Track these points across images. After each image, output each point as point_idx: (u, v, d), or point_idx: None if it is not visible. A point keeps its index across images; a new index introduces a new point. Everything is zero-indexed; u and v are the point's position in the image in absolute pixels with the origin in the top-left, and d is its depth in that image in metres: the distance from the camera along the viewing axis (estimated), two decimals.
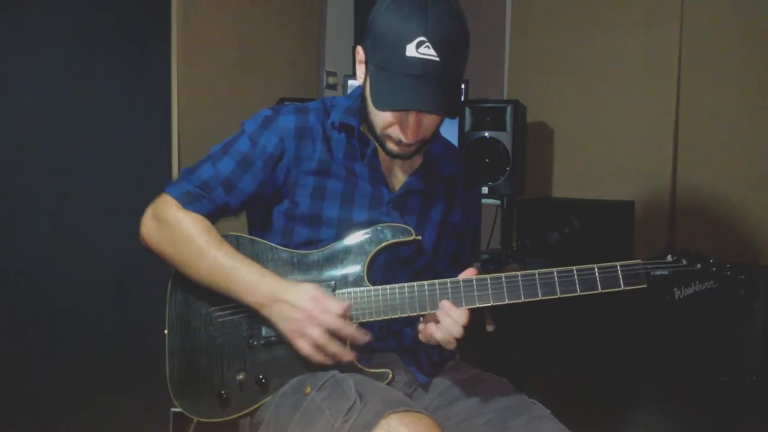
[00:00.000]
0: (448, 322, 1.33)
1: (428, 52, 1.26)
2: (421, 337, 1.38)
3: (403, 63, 1.27)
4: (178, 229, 1.43)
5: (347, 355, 1.36)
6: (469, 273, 1.38)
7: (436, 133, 1.50)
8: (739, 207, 2.44)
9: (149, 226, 1.46)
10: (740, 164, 2.44)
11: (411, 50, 1.26)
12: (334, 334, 1.34)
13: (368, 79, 1.37)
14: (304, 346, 1.34)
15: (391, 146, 1.39)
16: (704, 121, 2.53)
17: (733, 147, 2.46)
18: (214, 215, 1.47)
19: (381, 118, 1.36)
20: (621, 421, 2.29)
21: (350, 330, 1.35)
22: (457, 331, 1.33)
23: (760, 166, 2.41)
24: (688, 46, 2.56)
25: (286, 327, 1.36)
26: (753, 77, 2.42)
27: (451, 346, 1.36)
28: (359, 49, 1.40)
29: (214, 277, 1.40)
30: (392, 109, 1.33)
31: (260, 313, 1.39)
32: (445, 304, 1.34)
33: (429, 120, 1.36)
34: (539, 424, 1.34)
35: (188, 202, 1.45)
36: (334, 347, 1.34)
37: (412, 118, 1.34)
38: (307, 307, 1.34)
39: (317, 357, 1.35)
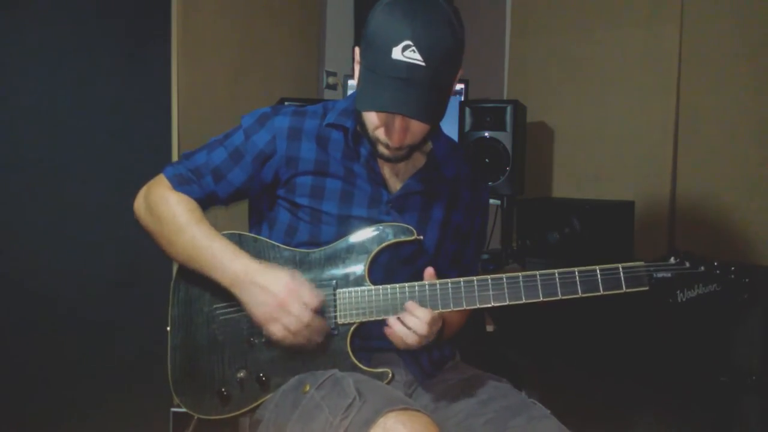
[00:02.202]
0: (413, 322, 1.34)
1: (414, 56, 1.26)
2: (387, 333, 1.38)
3: (388, 65, 1.27)
4: (163, 207, 1.46)
5: (318, 340, 1.39)
6: (428, 274, 1.39)
7: (439, 134, 1.51)
8: (739, 207, 2.44)
9: (141, 203, 1.51)
10: (740, 164, 2.44)
11: (397, 53, 1.26)
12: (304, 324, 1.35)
13: (357, 79, 1.38)
14: (277, 331, 1.36)
15: (382, 149, 1.40)
16: (704, 121, 2.53)
17: (732, 147, 2.46)
18: (203, 201, 1.50)
19: (369, 119, 1.37)
20: (621, 421, 2.29)
21: (318, 323, 1.37)
22: (422, 329, 1.33)
23: (760, 167, 2.40)
24: (688, 46, 2.56)
25: (257, 311, 1.38)
26: (753, 77, 2.42)
27: (409, 340, 1.36)
28: (356, 50, 1.41)
29: (190, 255, 1.43)
30: (371, 110, 1.34)
31: (231, 291, 1.40)
32: (409, 305, 1.35)
33: (416, 126, 1.36)
34: (539, 424, 1.34)
35: (179, 184, 1.48)
36: (306, 334, 1.36)
37: (397, 122, 1.34)
38: (281, 295, 1.35)
39: (288, 342, 1.37)
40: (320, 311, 1.38)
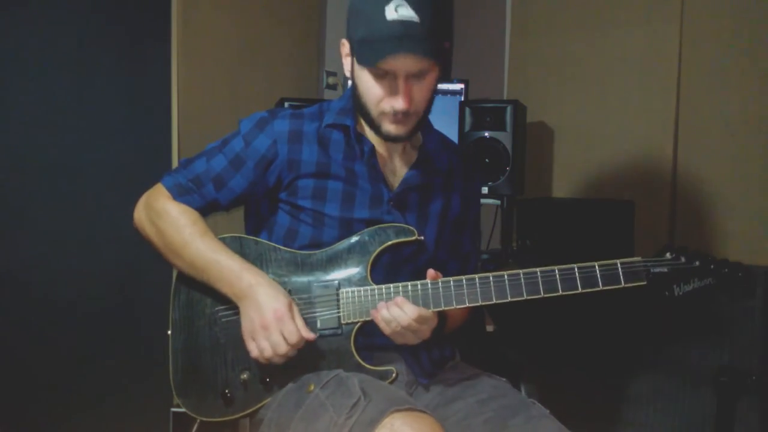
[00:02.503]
0: (396, 312, 1.35)
1: (407, 13, 1.30)
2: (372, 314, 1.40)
3: (383, 26, 1.30)
4: (165, 220, 1.46)
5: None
6: (430, 275, 1.39)
7: (430, 128, 1.52)
8: (739, 207, 2.44)
9: (141, 214, 1.51)
10: (740, 164, 2.44)
11: (390, 12, 1.30)
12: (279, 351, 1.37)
13: (353, 59, 1.40)
14: (252, 350, 1.39)
15: (388, 126, 1.40)
16: (704, 121, 2.53)
17: (733, 147, 2.46)
18: (204, 209, 1.50)
19: (371, 93, 1.38)
20: (620, 421, 2.29)
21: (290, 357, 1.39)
22: (404, 320, 1.34)
23: (760, 166, 2.40)
24: (688, 46, 2.56)
25: (244, 323, 1.41)
26: (753, 77, 2.42)
27: (399, 339, 1.38)
28: (344, 42, 1.42)
29: (197, 268, 1.44)
30: (376, 60, 1.34)
31: (236, 302, 1.42)
32: (398, 300, 1.37)
33: (419, 90, 1.38)
34: (538, 423, 1.34)
35: (179, 194, 1.48)
36: (278, 362, 1.39)
37: (401, 84, 1.36)
38: (267, 319, 1.37)
39: (259, 360, 1.40)
40: (300, 347, 1.39)
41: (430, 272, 1.39)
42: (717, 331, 2.11)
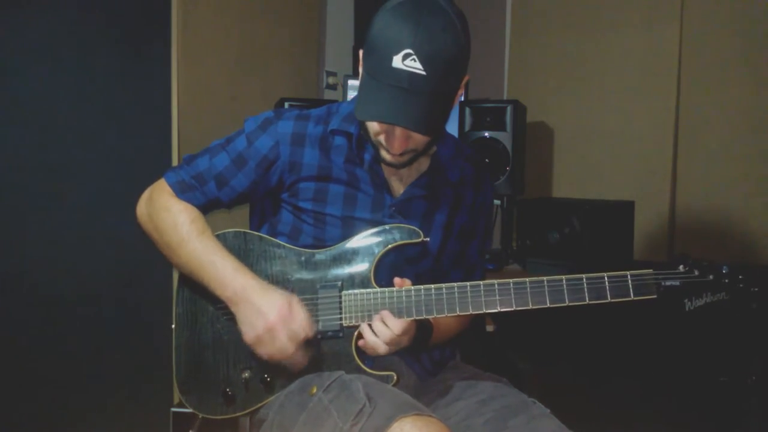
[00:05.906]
0: (379, 327, 1.35)
1: (414, 65, 1.23)
2: (360, 345, 1.39)
3: (389, 73, 1.25)
4: (165, 217, 1.46)
5: (303, 364, 1.40)
6: (398, 283, 1.38)
7: (444, 136, 1.50)
8: (739, 207, 2.44)
9: (143, 210, 1.51)
10: (740, 164, 2.45)
11: (397, 62, 1.24)
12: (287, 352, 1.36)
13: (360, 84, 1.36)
14: (262, 354, 1.38)
15: (384, 154, 1.38)
16: (704, 121, 2.53)
17: (732, 147, 2.46)
18: (205, 207, 1.50)
19: (370, 126, 1.36)
20: (621, 420, 2.29)
21: (300, 359, 1.38)
22: (387, 336, 1.33)
23: (760, 166, 2.41)
24: (688, 46, 2.56)
25: (247, 331, 1.38)
26: (753, 77, 2.42)
27: (380, 350, 1.36)
28: (361, 53, 1.40)
29: (192, 268, 1.43)
30: (369, 120, 1.33)
31: (230, 308, 1.41)
32: (384, 314, 1.35)
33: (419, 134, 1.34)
34: (538, 422, 1.34)
35: (181, 191, 1.47)
36: (287, 364, 1.38)
37: (398, 130, 1.32)
38: (271, 320, 1.35)
39: (272, 361, 1.39)
40: (307, 342, 1.38)
41: (396, 281, 1.39)
42: (717, 331, 2.11)
